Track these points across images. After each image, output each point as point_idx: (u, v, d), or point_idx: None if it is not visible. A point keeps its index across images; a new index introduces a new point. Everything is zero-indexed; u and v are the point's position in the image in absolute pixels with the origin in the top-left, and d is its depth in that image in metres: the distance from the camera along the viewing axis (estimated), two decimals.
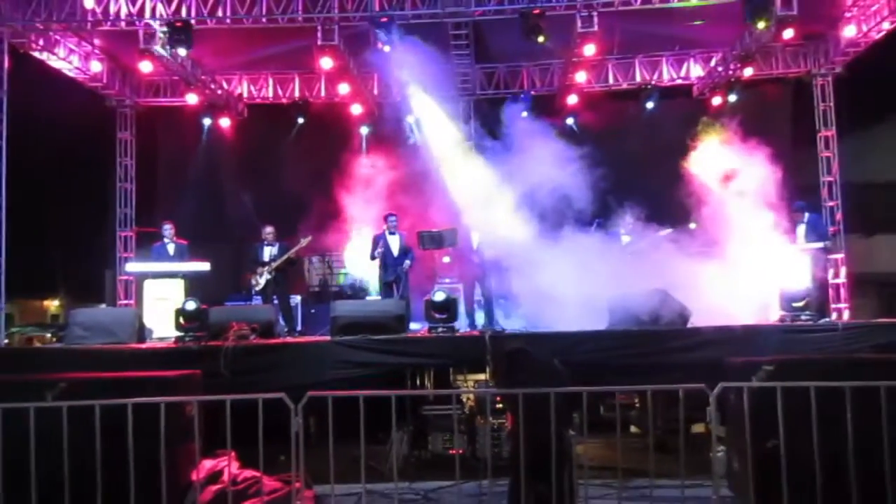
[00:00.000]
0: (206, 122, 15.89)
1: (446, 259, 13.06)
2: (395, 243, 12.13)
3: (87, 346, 8.91)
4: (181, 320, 9.43)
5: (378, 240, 12.14)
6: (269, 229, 12.24)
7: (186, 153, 15.82)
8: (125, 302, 15.00)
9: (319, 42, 12.76)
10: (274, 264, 12.01)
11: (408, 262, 11.96)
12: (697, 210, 11.38)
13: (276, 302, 11.78)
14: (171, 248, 12.17)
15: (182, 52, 12.86)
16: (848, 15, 13.80)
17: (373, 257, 12.17)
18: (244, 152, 15.89)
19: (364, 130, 16.13)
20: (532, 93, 15.73)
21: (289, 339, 10.30)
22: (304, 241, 12.08)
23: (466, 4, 12.49)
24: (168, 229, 12.19)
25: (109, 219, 16.03)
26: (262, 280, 11.99)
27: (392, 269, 12.02)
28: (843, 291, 14.71)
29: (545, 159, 11.20)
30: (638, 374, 7.38)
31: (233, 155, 16.07)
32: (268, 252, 12.12)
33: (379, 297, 12.03)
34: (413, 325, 11.03)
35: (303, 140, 15.55)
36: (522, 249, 10.87)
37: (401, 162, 13.92)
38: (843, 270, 14.57)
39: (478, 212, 11.84)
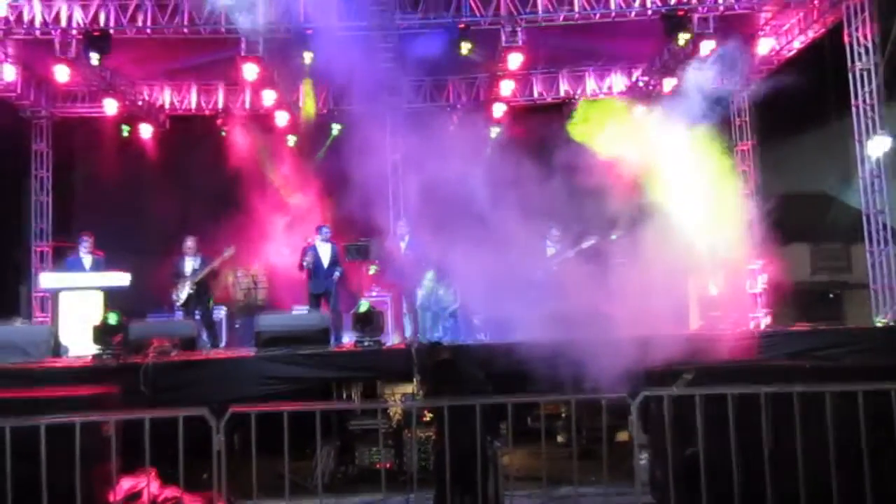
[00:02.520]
0: (126, 131, 15.58)
1: (372, 270, 13.02)
2: (325, 253, 12.00)
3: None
4: (99, 336, 9.22)
5: (308, 250, 11.95)
6: (190, 242, 12.04)
7: (105, 165, 15.22)
8: (42, 318, 14.54)
9: (243, 52, 12.64)
10: (195, 277, 11.83)
11: (337, 272, 11.83)
12: (621, 220, 11.46)
13: (198, 316, 11.67)
14: (87, 261, 11.82)
15: (96, 59, 12.53)
16: (761, 33, 14.22)
17: (301, 268, 11.93)
18: (166, 163, 15.66)
19: (290, 141, 16.00)
20: (458, 106, 15.93)
21: (211, 355, 10.19)
22: (226, 253, 11.96)
23: (391, 17, 12.60)
24: (86, 241, 11.84)
25: (24, 233, 15.59)
26: (183, 293, 11.81)
27: (322, 281, 11.86)
28: (761, 300, 15.04)
29: (472, 171, 11.00)
30: (563, 384, 7.35)
31: (154, 166, 15.79)
32: (189, 265, 11.95)
33: (307, 311, 11.93)
34: (345, 339, 11.14)
35: (227, 151, 15.40)
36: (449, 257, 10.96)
37: (326, 173, 13.99)
38: (760, 279, 14.89)
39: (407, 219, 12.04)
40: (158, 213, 14.99)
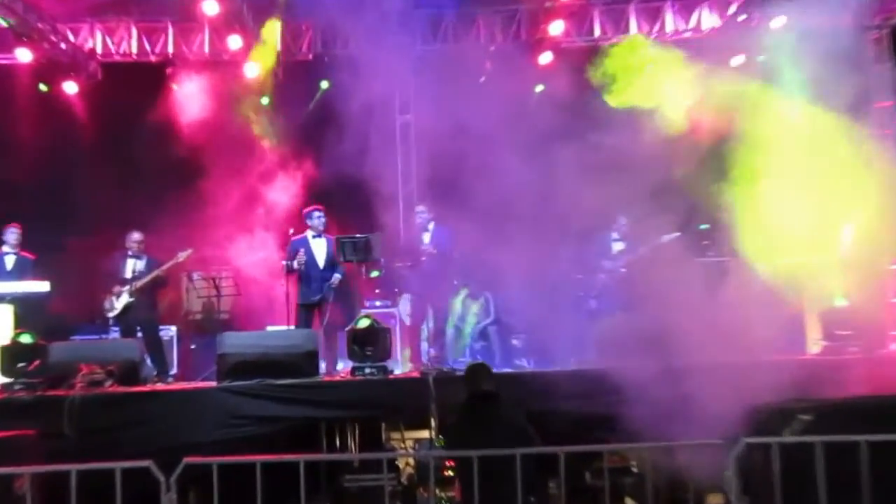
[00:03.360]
0: (44, 87, 15.38)
1: (375, 273, 13.04)
2: (321, 250, 11.97)
3: None
4: (9, 362, 9.45)
5: (298, 245, 11.92)
6: (135, 236, 12.12)
7: (18, 132, 14.97)
8: None
9: None
10: (137, 283, 11.88)
11: (337, 275, 11.79)
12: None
13: (140, 335, 11.69)
14: (9, 261, 11.89)
15: None
16: None
17: (289, 269, 11.86)
18: (99, 128, 15.48)
19: (263, 101, 15.79)
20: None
21: (159, 386, 10.30)
22: (182, 255, 12.03)
23: None
24: (12, 234, 11.97)
25: None
26: (119, 302, 11.84)
27: (317, 286, 11.83)
28: None
29: (509, 137, 11.16)
30: (634, 428, 7.37)
31: (83, 133, 15.55)
32: (131, 266, 12.04)
33: (288, 328, 11.87)
34: (339, 366, 11.28)
35: (179, 111, 15.02)
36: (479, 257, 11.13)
37: (312, 143, 13.87)
38: None
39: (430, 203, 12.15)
40: (90, 198, 14.75)
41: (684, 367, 8.53)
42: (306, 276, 11.83)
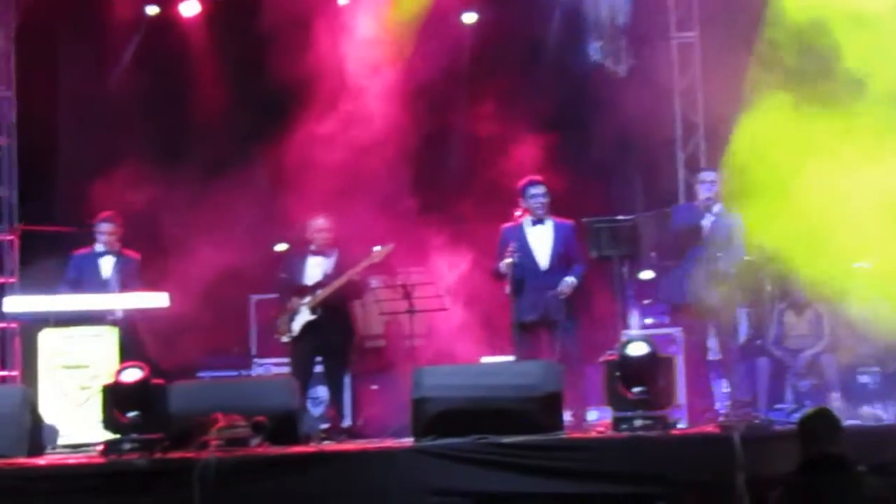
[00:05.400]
0: (152, 10, 13.19)
1: (646, 275, 11.23)
2: (542, 241, 10.00)
3: None
4: (115, 408, 8.11)
5: (509, 237, 9.99)
6: (320, 223, 10.62)
7: (113, 75, 13.07)
8: (1, 374, 13.27)
9: None
10: (322, 293, 10.26)
11: (570, 280, 9.81)
12: None
13: (320, 368, 10.46)
14: (105, 265, 10.35)
15: None
16: None
17: (498, 274, 9.95)
18: (239, 66, 13.14)
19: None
20: None
21: (328, 446, 8.80)
22: (379, 252, 10.46)
23: None
24: (106, 227, 10.46)
25: None
26: (297, 323, 10.36)
27: (537, 297, 9.85)
28: None
29: None
30: None
31: (207, 74, 13.22)
32: (315, 267, 10.51)
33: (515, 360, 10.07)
34: (590, 416, 10.08)
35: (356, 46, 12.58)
36: None
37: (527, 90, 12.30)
38: None
39: None
40: (231, 166, 12.47)
41: None
42: (520, 282, 9.91)
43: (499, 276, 10.06)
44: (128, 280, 10.43)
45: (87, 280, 10.42)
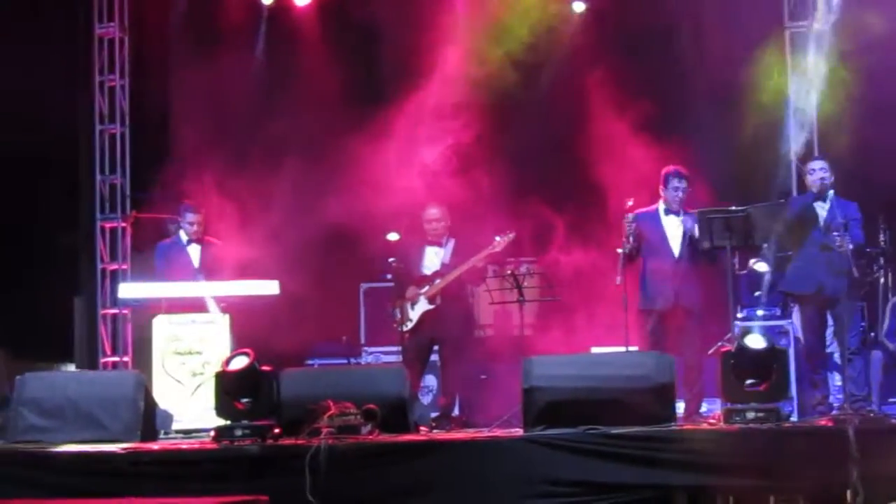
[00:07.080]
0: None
1: (761, 266, 10.89)
2: (675, 231, 9.96)
3: (45, 449, 8.01)
4: (228, 395, 8.28)
5: (645, 221, 10.05)
6: (434, 212, 10.59)
7: (230, 62, 12.92)
8: (113, 359, 13.01)
9: None
10: (440, 282, 10.31)
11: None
12: None
13: (437, 357, 10.54)
14: (194, 253, 10.52)
15: None
16: None
17: (629, 256, 9.79)
18: (346, 55, 12.95)
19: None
20: None
21: (439, 435, 8.98)
22: (501, 241, 10.41)
23: None
24: (192, 217, 10.54)
25: (81, 198, 13.70)
26: (414, 312, 10.42)
27: (664, 283, 9.85)
28: None
29: None
30: None
31: (326, 62, 13.29)
32: (431, 257, 10.56)
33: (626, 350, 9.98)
34: (703, 407, 9.84)
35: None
36: None
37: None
38: None
39: None
40: (340, 156, 12.69)
41: None
42: (650, 269, 9.96)
43: (630, 258, 9.98)
44: (216, 266, 10.54)
45: (178, 269, 10.53)
